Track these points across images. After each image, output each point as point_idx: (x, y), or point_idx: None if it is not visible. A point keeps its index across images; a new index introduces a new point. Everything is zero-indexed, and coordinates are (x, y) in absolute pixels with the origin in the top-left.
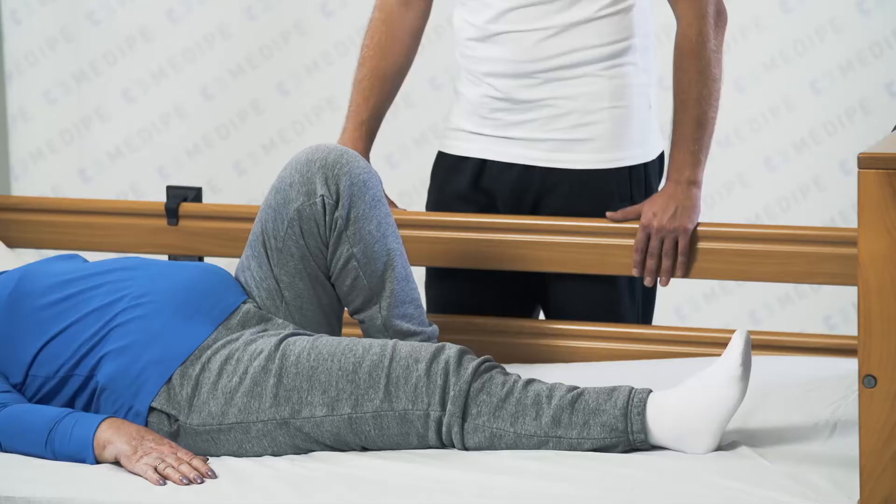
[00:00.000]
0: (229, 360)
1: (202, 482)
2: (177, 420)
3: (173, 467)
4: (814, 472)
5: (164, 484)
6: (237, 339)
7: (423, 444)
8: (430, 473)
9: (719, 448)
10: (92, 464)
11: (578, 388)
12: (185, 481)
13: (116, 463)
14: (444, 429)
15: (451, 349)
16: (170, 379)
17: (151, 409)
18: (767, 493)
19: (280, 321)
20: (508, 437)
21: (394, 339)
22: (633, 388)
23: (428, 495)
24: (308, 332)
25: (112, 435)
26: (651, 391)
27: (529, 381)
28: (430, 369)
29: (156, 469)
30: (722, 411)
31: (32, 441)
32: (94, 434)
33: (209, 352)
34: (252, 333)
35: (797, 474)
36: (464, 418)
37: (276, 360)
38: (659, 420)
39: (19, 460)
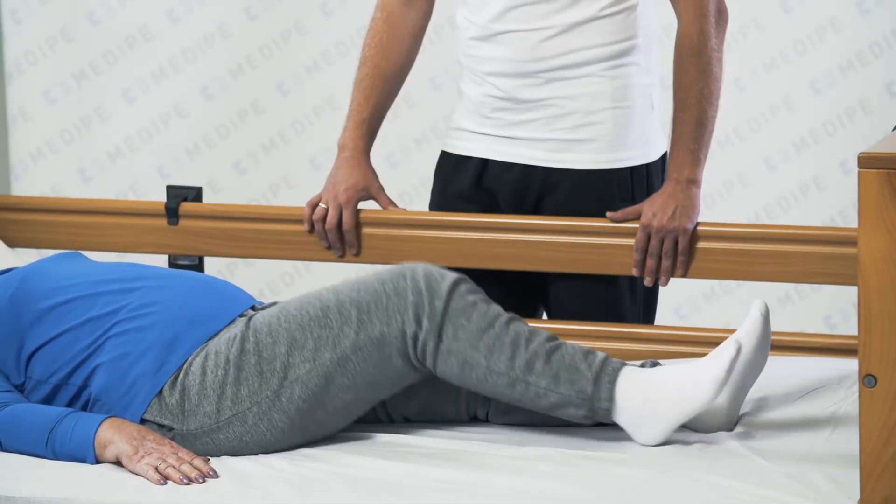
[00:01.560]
0: (208, 356)
1: (203, 482)
2: (171, 429)
3: (174, 467)
4: (814, 471)
5: (165, 484)
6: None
7: (408, 366)
8: (430, 473)
9: (717, 444)
10: (92, 464)
11: (558, 339)
12: (185, 481)
13: (117, 463)
14: (419, 345)
15: (420, 267)
16: (160, 391)
17: (144, 420)
18: (767, 492)
19: None
20: (480, 370)
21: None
22: (608, 357)
23: (428, 495)
24: (274, 302)
25: (113, 435)
26: (625, 364)
27: (512, 319)
28: (397, 288)
29: (157, 469)
30: (686, 409)
31: (33, 441)
32: (94, 434)
33: (190, 356)
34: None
35: (797, 474)
36: (440, 337)
37: (251, 338)
38: (626, 394)
39: (19, 460)
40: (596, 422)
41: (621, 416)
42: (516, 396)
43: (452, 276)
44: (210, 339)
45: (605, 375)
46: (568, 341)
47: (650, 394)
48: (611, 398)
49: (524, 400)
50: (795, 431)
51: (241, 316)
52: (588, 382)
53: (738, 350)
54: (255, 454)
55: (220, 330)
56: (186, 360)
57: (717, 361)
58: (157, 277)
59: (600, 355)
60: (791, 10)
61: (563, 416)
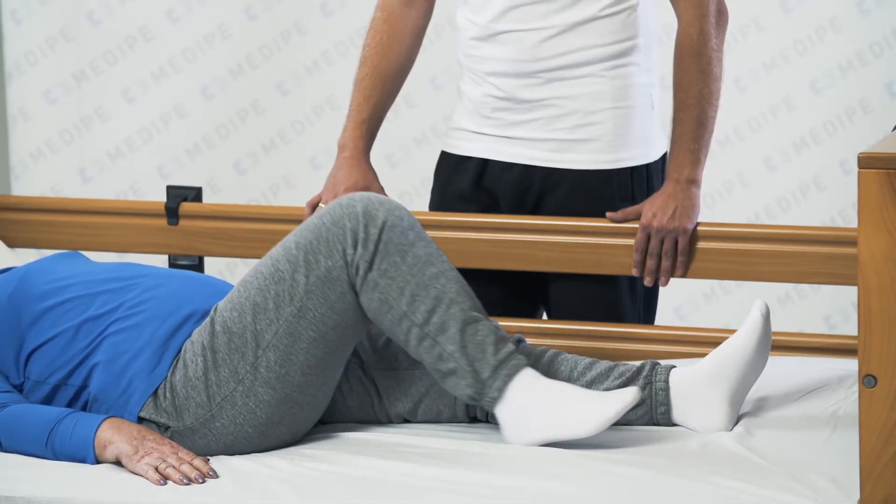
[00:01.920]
0: (186, 349)
1: (203, 482)
2: (168, 427)
3: (174, 467)
4: (814, 471)
5: (165, 484)
6: None
7: (355, 297)
8: (430, 473)
9: (717, 444)
10: (92, 464)
11: (481, 315)
12: (185, 481)
13: (117, 463)
14: (352, 269)
15: (356, 195)
16: (156, 391)
17: (141, 419)
18: (767, 492)
19: None
20: (397, 313)
21: None
22: (516, 351)
23: (429, 495)
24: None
25: (113, 435)
26: (528, 365)
27: (442, 273)
28: (335, 217)
29: (157, 469)
30: (560, 434)
31: (33, 441)
32: (94, 434)
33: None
34: None
35: (797, 474)
36: (371, 265)
37: (217, 319)
38: (516, 395)
39: (19, 460)
40: (475, 403)
41: (501, 412)
42: (420, 352)
43: (390, 203)
44: None
45: (506, 368)
46: (568, 347)
47: (537, 405)
48: (501, 391)
49: (426, 358)
50: (795, 431)
51: None
52: (488, 367)
53: (636, 397)
54: (255, 441)
55: None
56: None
57: (613, 401)
58: (154, 276)
59: (510, 347)
60: (791, 10)
61: (449, 386)
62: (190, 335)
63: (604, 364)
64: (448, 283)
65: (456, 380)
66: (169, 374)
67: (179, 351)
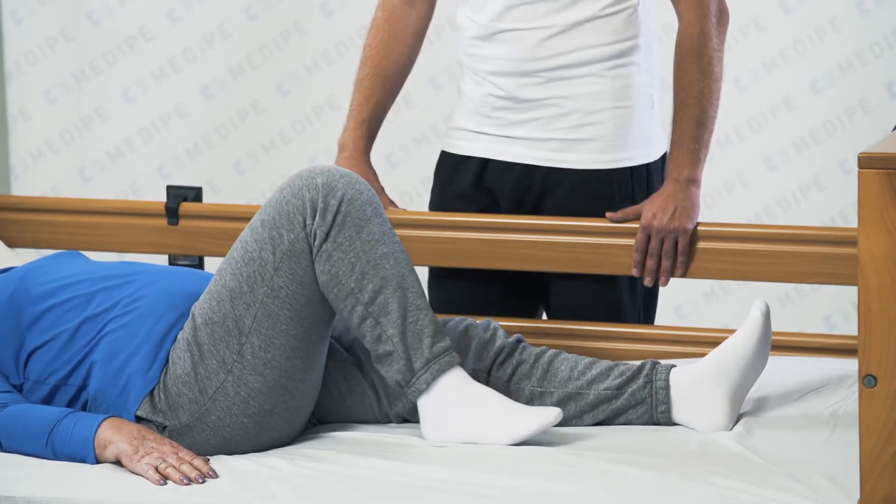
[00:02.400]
0: (174, 346)
1: (203, 482)
2: (165, 426)
3: (174, 467)
4: (814, 471)
5: (165, 484)
6: None
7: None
8: (430, 473)
9: (717, 444)
10: (92, 464)
11: (426, 302)
12: (185, 481)
13: (117, 463)
14: (310, 239)
15: (317, 167)
16: (153, 389)
17: (139, 418)
18: (767, 492)
19: None
20: (344, 289)
21: None
22: (452, 348)
23: (429, 495)
24: None
25: (113, 434)
26: (460, 364)
27: (392, 254)
28: (294, 189)
29: (157, 469)
30: (474, 437)
31: (33, 441)
32: (94, 434)
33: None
34: None
35: (797, 474)
36: (326, 237)
37: (198, 313)
38: (443, 390)
39: (19, 460)
40: (401, 390)
41: (424, 404)
42: (362, 331)
43: (350, 176)
44: None
45: (438, 363)
46: (568, 347)
47: (461, 405)
48: (429, 384)
49: (366, 337)
50: (795, 431)
51: None
52: (421, 358)
53: (555, 416)
54: (252, 433)
55: None
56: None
57: (535, 417)
58: (150, 272)
59: (447, 342)
60: (791, 10)
61: (381, 368)
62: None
63: (604, 364)
64: (397, 266)
65: (390, 363)
66: (161, 376)
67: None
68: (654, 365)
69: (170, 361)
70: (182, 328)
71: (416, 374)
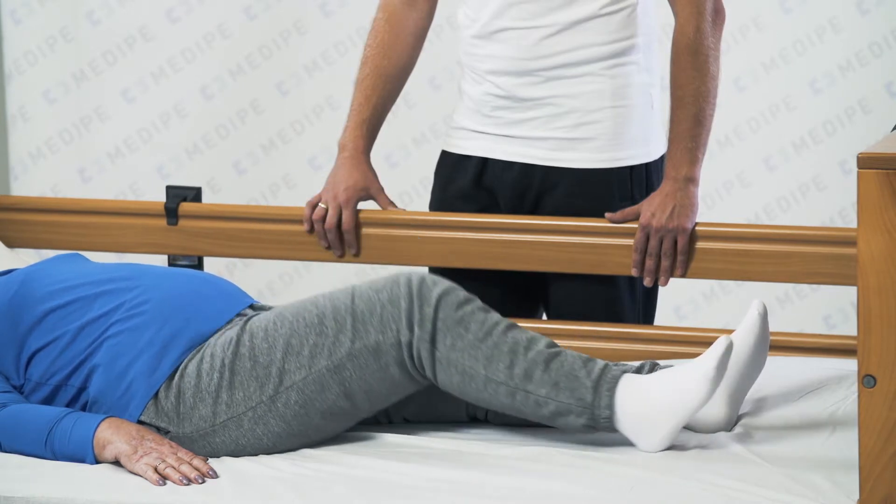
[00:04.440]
0: (203, 358)
1: (202, 482)
2: (167, 432)
3: (173, 467)
4: (814, 472)
5: (164, 484)
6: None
7: (405, 376)
8: (431, 473)
9: (717, 445)
10: (92, 464)
11: (558, 346)
12: (184, 481)
13: (116, 463)
14: (414, 353)
15: (413, 275)
16: (156, 393)
17: (141, 422)
18: (767, 493)
19: None
20: (479, 380)
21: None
22: (608, 363)
23: (429, 495)
24: (271, 306)
25: (112, 434)
26: (625, 371)
27: (510, 327)
28: (392, 295)
29: (156, 469)
30: (682, 413)
31: (32, 441)
32: (93, 434)
33: (186, 358)
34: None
35: (797, 474)
36: (434, 344)
37: (246, 343)
38: (626, 402)
39: (19, 460)
40: (597, 430)
41: (622, 424)
42: (517, 406)
43: (445, 283)
44: (206, 340)
45: (605, 383)
46: (568, 347)
47: (647, 400)
48: (611, 406)
49: (525, 409)
50: (795, 431)
51: (238, 315)
52: (588, 391)
53: (729, 346)
54: (251, 455)
55: (217, 330)
56: (182, 361)
57: (706, 360)
58: (154, 276)
59: (600, 363)
60: (791, 10)
61: (563, 425)
62: (191, 338)
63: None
64: (512, 332)
65: (564, 419)
66: (177, 379)
67: (184, 355)
68: (654, 366)
69: (195, 370)
70: (188, 336)
71: (594, 407)
